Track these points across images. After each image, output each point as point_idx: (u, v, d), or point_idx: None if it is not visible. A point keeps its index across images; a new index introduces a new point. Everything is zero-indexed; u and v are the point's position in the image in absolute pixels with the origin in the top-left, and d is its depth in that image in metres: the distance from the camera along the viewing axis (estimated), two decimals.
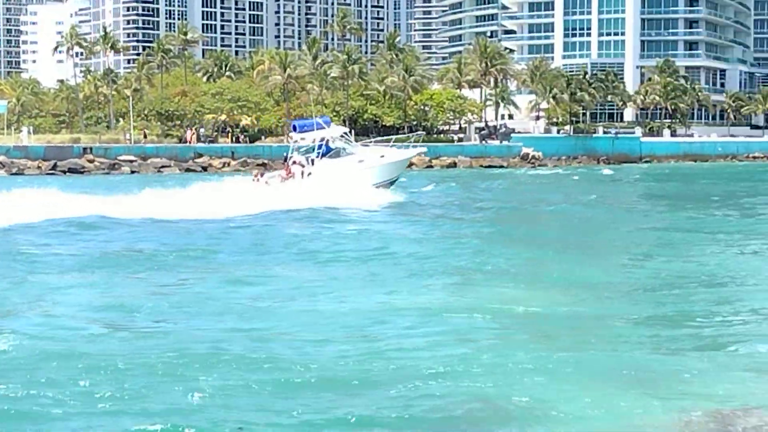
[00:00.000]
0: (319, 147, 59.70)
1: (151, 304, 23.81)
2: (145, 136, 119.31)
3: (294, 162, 59.44)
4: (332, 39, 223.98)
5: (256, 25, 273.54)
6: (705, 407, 15.46)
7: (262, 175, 61.39)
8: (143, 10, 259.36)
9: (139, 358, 18.15)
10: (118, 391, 16.01)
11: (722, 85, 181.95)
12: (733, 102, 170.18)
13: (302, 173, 58.35)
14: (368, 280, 28.87)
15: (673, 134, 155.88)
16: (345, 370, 17.81)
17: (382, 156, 62.69)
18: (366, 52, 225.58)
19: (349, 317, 22.52)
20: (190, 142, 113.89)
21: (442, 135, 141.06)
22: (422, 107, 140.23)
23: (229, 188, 56.45)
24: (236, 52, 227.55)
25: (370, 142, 69.44)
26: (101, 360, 17.89)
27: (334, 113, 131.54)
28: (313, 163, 59.20)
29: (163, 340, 20.04)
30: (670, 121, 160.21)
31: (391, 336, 20.53)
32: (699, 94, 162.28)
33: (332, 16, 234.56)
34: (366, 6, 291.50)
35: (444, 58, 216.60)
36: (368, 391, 16.66)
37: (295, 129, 63.09)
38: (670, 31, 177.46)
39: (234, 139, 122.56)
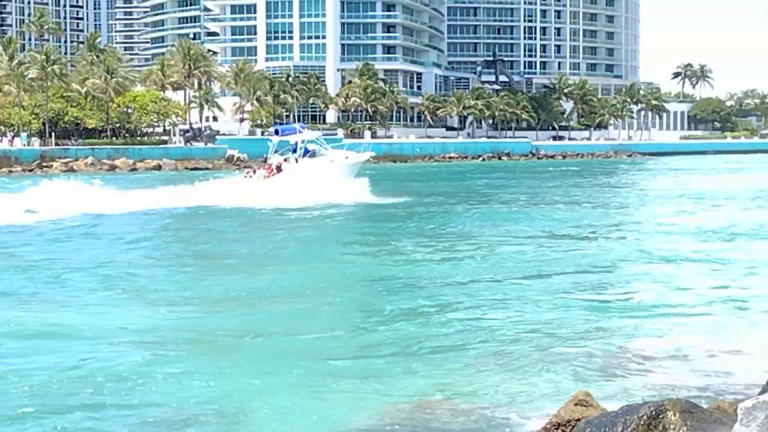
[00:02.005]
0: (300, 148, 70.05)
1: None
2: None
3: (286, 160, 69.79)
4: (30, 39, 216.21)
5: None
6: (407, 400, 16.74)
7: (254, 173, 71.48)
8: None
9: None
10: None
11: (419, 87, 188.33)
12: (430, 104, 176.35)
13: (290, 171, 68.16)
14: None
15: (374, 135, 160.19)
16: None
17: (347, 157, 72.78)
18: (66, 53, 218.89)
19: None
20: None
21: (146, 138, 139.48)
22: (125, 109, 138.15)
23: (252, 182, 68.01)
24: None
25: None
26: None
27: (33, 115, 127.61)
28: (297, 162, 69.29)
29: None
30: (370, 122, 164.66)
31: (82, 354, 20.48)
32: (397, 96, 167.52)
33: (29, 15, 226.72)
34: (65, 6, 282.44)
35: (147, 60, 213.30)
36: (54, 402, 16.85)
37: (277, 132, 74.07)
38: (369, 35, 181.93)
39: None
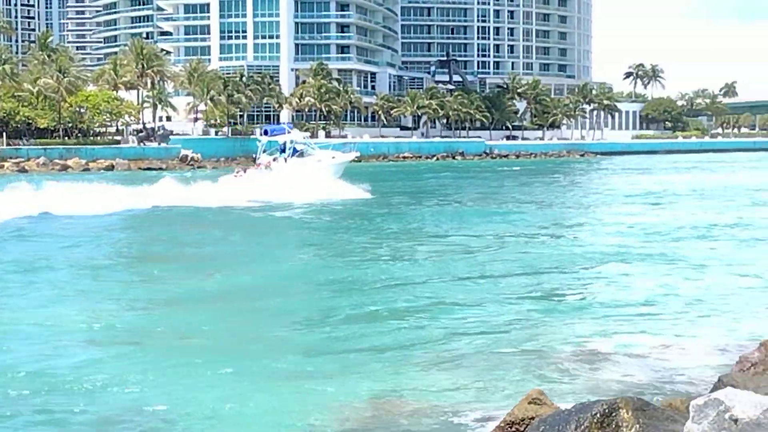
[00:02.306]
0: (289, 148, 72.90)
1: None
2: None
3: (275, 159, 72.41)
4: None
5: None
6: (362, 400, 16.82)
7: (244, 172, 73.05)
8: None
9: None
10: None
11: (373, 87, 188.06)
12: (384, 104, 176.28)
13: (279, 170, 70.67)
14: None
15: (328, 135, 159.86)
16: None
17: (333, 157, 75.55)
18: (17, 52, 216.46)
19: None
20: None
21: (99, 137, 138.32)
22: (78, 109, 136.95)
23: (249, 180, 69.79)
24: None
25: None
26: None
27: None
28: (286, 161, 71.95)
29: None
30: (324, 122, 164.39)
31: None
32: (351, 96, 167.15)
33: None
34: (16, 4, 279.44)
35: (99, 59, 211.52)
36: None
37: (266, 133, 77.18)
38: (323, 35, 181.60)
39: None
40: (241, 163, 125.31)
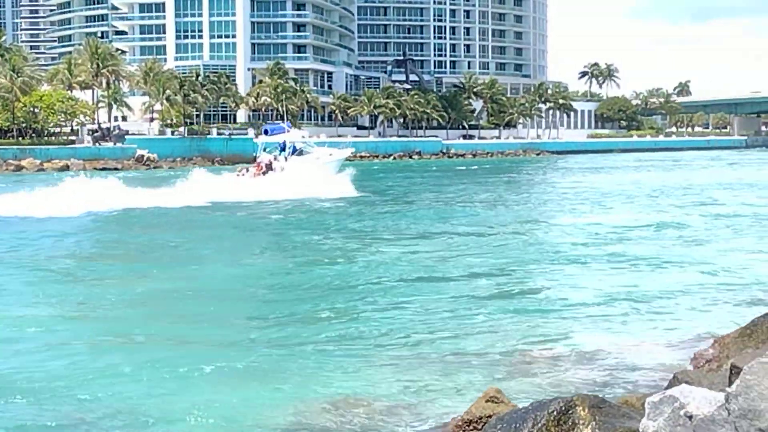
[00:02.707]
0: (289, 147, 74.67)
1: None
2: None
3: (275, 158, 73.72)
4: None
5: None
6: (320, 400, 16.70)
7: (247, 170, 74.39)
8: None
9: None
10: None
11: (330, 87, 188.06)
12: (341, 103, 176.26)
13: (281, 168, 72.68)
14: None
15: None
16: None
17: (331, 154, 77.79)
18: None
19: None
20: None
21: (54, 138, 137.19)
22: (32, 109, 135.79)
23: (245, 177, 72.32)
24: None
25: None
26: None
27: None
28: (286, 160, 73.48)
29: None
30: (281, 122, 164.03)
31: None
32: (308, 95, 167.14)
33: None
34: None
35: (54, 59, 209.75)
36: None
37: (266, 132, 77.65)
38: (279, 34, 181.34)
39: None
40: (198, 163, 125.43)
